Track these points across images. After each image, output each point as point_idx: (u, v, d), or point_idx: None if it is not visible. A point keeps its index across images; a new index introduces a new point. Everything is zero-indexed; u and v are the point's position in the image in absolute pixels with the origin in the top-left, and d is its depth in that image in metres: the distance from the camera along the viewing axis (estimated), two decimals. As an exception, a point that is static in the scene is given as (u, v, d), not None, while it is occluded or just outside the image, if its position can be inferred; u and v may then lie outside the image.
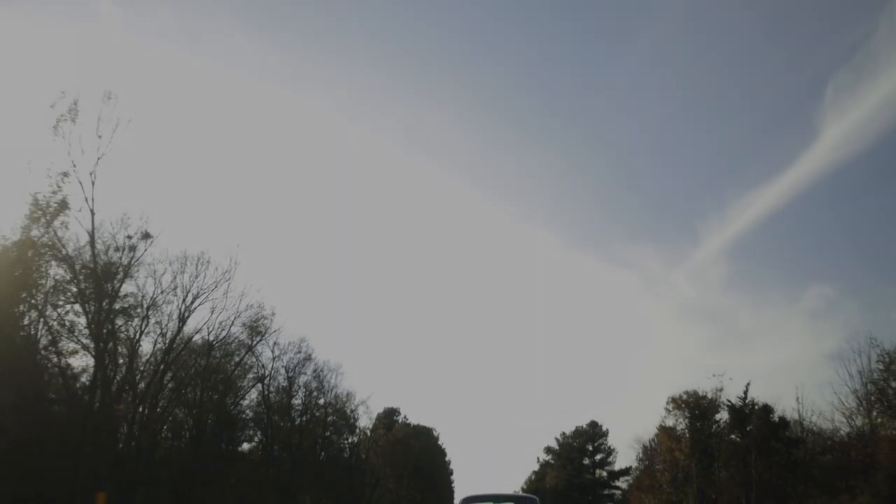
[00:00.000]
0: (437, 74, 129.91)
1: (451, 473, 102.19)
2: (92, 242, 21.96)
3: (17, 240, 20.10)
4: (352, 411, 51.90)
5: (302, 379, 40.64)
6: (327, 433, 48.59)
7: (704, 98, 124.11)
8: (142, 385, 27.45)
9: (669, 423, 50.95)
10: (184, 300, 29.50)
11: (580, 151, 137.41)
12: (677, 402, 49.11)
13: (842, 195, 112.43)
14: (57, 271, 22.41)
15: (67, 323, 24.97)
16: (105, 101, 21.96)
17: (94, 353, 24.58)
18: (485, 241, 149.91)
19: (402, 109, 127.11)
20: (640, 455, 63.40)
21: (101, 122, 21.49)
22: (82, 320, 25.08)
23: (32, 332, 24.70)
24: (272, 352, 38.31)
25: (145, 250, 26.98)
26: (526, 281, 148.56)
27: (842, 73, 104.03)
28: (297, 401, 41.06)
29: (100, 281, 22.43)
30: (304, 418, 41.06)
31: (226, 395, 34.33)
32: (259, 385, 37.01)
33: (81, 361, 26.36)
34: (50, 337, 25.07)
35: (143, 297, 27.72)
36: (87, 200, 21.38)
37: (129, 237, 26.47)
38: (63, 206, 20.41)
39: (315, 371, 41.32)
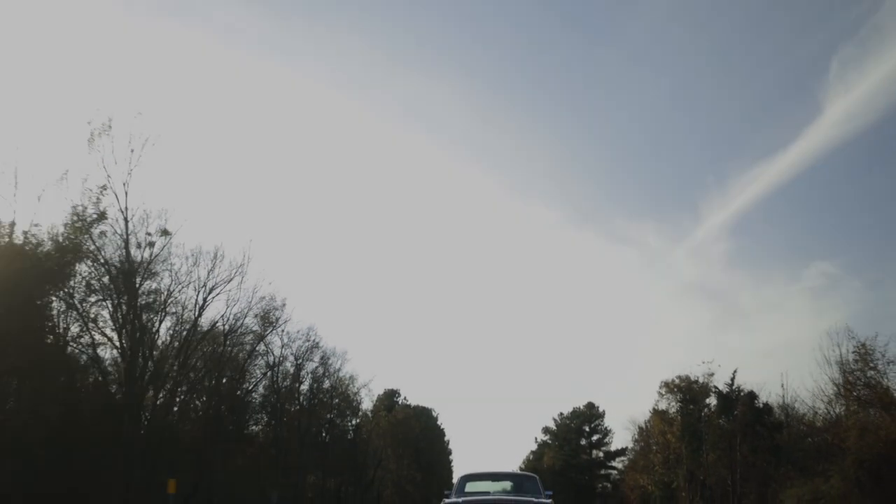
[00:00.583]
0: (435, 51, 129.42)
1: (450, 454, 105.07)
2: (126, 248, 24.30)
3: (58, 245, 22.43)
4: (354, 394, 54.47)
5: (310, 366, 43.23)
6: (330, 415, 51.15)
7: (706, 72, 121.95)
8: (167, 376, 29.86)
9: (662, 406, 53.86)
10: (199, 293, 31.80)
11: (579, 127, 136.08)
12: (670, 387, 51.83)
13: (845, 171, 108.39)
14: (88, 270, 24.69)
15: (93, 315, 27.36)
16: (136, 118, 24.25)
17: (120, 346, 26.99)
18: (483, 219, 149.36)
19: (399, 86, 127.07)
20: (636, 436, 66.36)
21: (132, 139, 23.73)
22: (106, 313, 27.56)
23: (62, 326, 27.06)
24: (281, 339, 40.80)
25: (164, 246, 29.32)
26: (524, 258, 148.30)
27: (847, 47, 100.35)
28: (304, 386, 43.63)
29: (131, 279, 24.78)
30: (312, 403, 43.58)
31: (239, 382, 36.84)
32: (269, 371, 39.32)
33: (107, 353, 28.89)
34: (77, 330, 27.49)
35: (163, 291, 30.04)
36: (121, 211, 23.69)
37: (149, 234, 28.76)
38: (102, 216, 22.76)
39: (322, 358, 43.87)
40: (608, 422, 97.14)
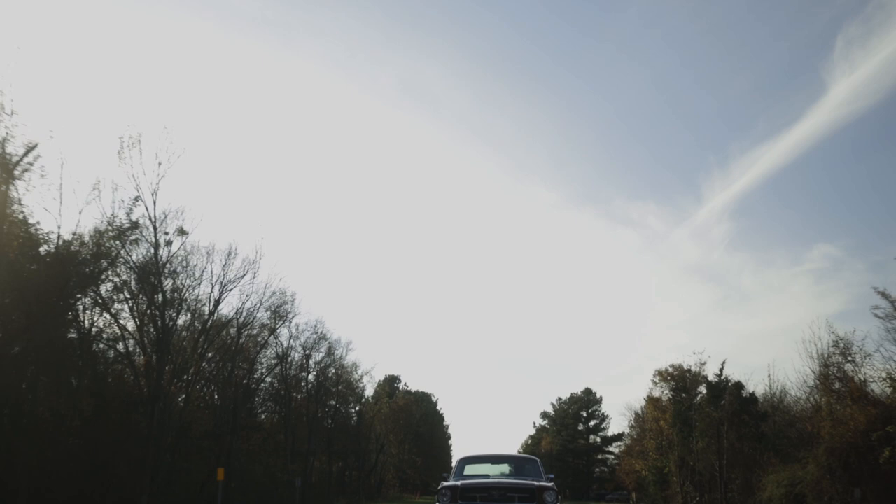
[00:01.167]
0: (432, 28, 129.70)
1: (450, 438, 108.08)
2: (155, 253, 26.72)
3: (94, 252, 24.84)
4: (357, 381, 57.08)
5: (317, 356, 45.84)
6: (335, 403, 53.76)
7: (709, 51, 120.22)
8: (189, 370, 32.40)
9: (656, 394, 56.53)
10: (214, 288, 34.20)
11: (580, 106, 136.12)
12: (663, 375, 54.43)
13: (850, 152, 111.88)
14: (119, 273, 27.12)
15: (115, 312, 29.79)
16: (163, 132, 26.64)
17: (143, 342, 29.49)
18: (481, 200, 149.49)
19: (396, 64, 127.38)
20: (632, 422, 69.07)
21: (158, 152, 26.05)
22: (126, 309, 30.01)
23: (87, 322, 29.43)
24: (290, 332, 43.36)
25: (181, 245, 31.67)
26: (523, 240, 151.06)
27: (852, 25, 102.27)
28: (311, 376, 46.24)
29: (158, 280, 27.23)
30: (318, 391, 46.18)
31: (251, 372, 39.41)
32: (279, 363, 41.85)
33: (129, 348, 31.33)
34: (101, 325, 29.91)
35: (182, 288, 32.46)
36: (151, 220, 26.10)
37: (167, 233, 31.11)
38: (135, 225, 25.18)
39: (329, 349, 46.48)
40: (606, 407, 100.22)
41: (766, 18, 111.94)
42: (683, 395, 50.94)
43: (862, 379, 32.15)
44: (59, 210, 21.86)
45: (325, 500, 45.95)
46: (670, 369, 53.67)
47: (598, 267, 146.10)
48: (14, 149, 18.28)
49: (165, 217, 28.86)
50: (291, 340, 43.24)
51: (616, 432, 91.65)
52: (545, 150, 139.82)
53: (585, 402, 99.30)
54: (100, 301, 27.19)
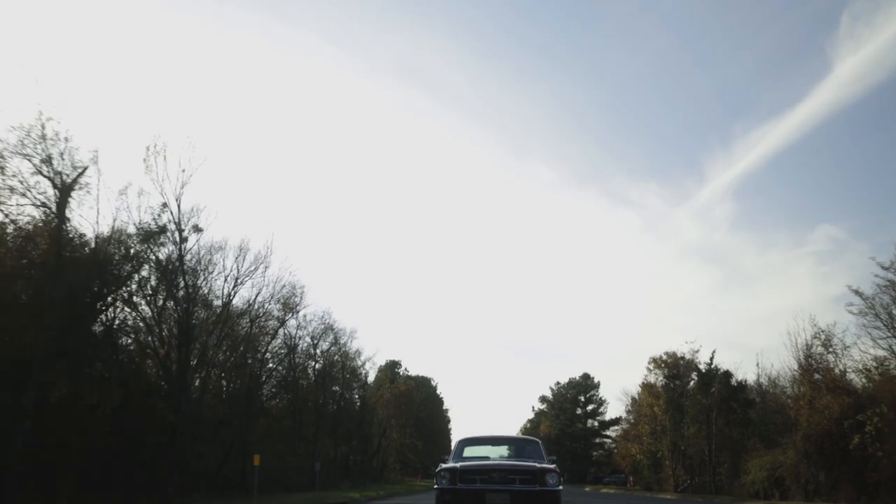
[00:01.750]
0: (430, 6, 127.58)
1: (449, 422, 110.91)
2: (180, 255, 29.18)
3: (123, 255, 27.34)
4: (360, 367, 59.74)
5: (323, 345, 48.49)
6: (339, 389, 56.43)
7: (711, 28, 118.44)
8: (210, 361, 35.02)
9: (650, 380, 59.35)
10: (226, 282, 36.64)
11: (580, 84, 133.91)
12: (657, 363, 57.28)
13: (854, 132, 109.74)
14: (145, 273, 29.62)
15: (139, 306, 32.29)
16: (188, 142, 29.11)
17: (163, 336, 32.04)
18: (480, 179, 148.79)
19: (391, 46, 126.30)
20: (629, 407, 71.90)
21: (182, 160, 28.41)
22: (145, 304, 32.52)
23: (110, 315, 31.92)
24: (297, 322, 45.92)
25: (196, 241, 34.07)
26: (522, 220, 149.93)
27: (858, 1, 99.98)
28: (318, 364, 48.88)
29: (181, 279, 29.72)
30: (323, 378, 48.88)
31: (262, 362, 42.04)
32: (289, 353, 44.49)
33: (149, 341, 33.87)
34: (123, 318, 32.41)
35: (200, 286, 34.93)
36: (176, 224, 28.53)
37: (182, 230, 33.52)
38: (163, 230, 27.63)
39: (335, 338, 49.12)
40: (604, 391, 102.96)
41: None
42: (676, 382, 53.77)
43: (842, 369, 34.87)
44: (96, 219, 24.24)
45: (331, 483, 48.63)
46: (664, 356, 56.54)
47: (598, 248, 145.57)
48: (66, 167, 20.70)
49: (182, 215, 31.26)
50: (299, 330, 45.83)
51: (613, 416, 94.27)
52: (545, 129, 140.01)
53: (583, 387, 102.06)
54: (125, 298, 29.67)
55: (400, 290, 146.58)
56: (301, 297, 41.36)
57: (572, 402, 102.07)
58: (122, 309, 31.10)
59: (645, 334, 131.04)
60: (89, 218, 24.69)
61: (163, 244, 28.31)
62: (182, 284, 29.64)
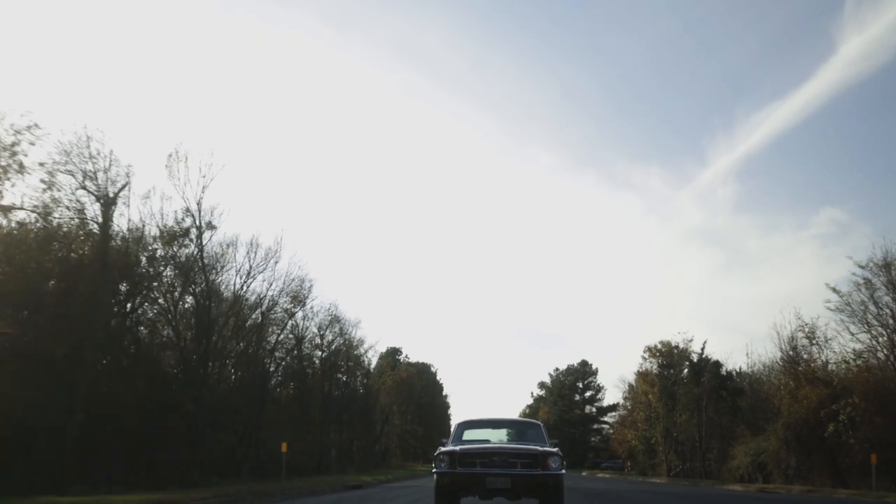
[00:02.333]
0: None
1: (449, 408, 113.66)
2: (201, 255, 31.78)
3: (149, 257, 30.02)
4: (363, 355, 62.46)
5: (329, 336, 51.25)
6: (344, 377, 59.19)
7: (714, 8, 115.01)
8: (228, 353, 37.74)
9: (645, 368, 62.08)
10: (237, 277, 39.17)
11: (579, 65, 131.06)
12: (652, 352, 60.03)
13: (858, 113, 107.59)
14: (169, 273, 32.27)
15: (160, 301, 34.90)
16: (208, 151, 31.73)
17: (180, 329, 34.68)
18: (479, 163, 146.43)
19: (389, 28, 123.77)
20: (626, 394, 74.64)
21: (202, 166, 30.96)
22: (163, 300, 35.14)
23: (129, 308, 34.52)
24: (305, 313, 48.58)
25: (209, 238, 36.60)
26: (522, 205, 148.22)
27: None
28: (324, 354, 51.64)
29: (204, 275, 32.36)
30: (329, 367, 51.66)
31: (272, 352, 44.75)
32: (297, 344, 47.21)
33: (169, 334, 36.51)
34: (143, 311, 35.02)
35: (217, 282, 37.49)
36: (197, 227, 31.12)
37: (202, 231, 36.03)
38: (186, 233, 30.22)
39: (341, 329, 51.87)
40: (602, 378, 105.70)
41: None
42: (670, 370, 56.58)
43: (825, 360, 37.59)
44: (127, 225, 26.81)
45: (337, 467, 51.47)
46: (659, 345, 59.30)
47: (599, 231, 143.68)
48: (108, 184, 23.27)
49: (202, 217, 33.81)
50: (306, 321, 48.49)
51: (611, 403, 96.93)
52: (545, 112, 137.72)
53: (582, 374, 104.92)
54: (150, 295, 32.31)
55: (400, 276, 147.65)
56: (309, 290, 44.02)
57: (571, 388, 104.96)
58: (143, 305, 33.88)
59: (645, 319, 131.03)
60: (120, 223, 27.34)
61: (185, 246, 30.93)
62: (201, 281, 32.21)
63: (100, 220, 24.46)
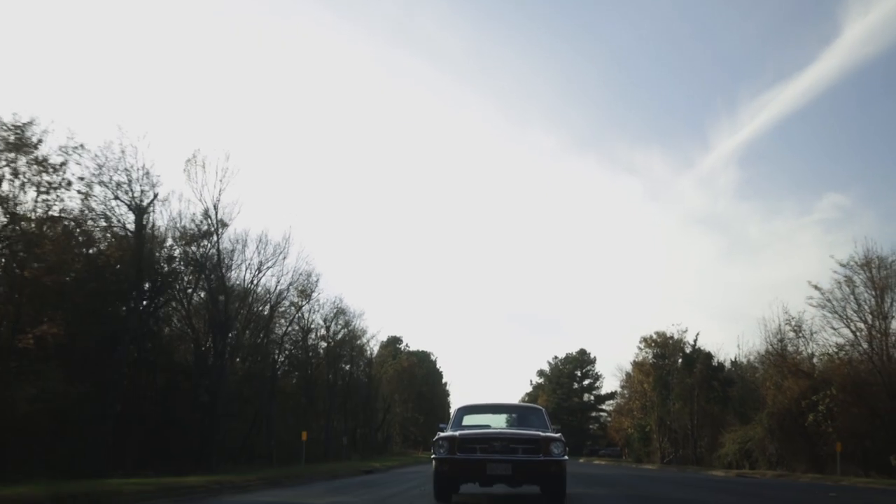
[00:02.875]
0: None
1: (448, 395, 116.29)
2: (218, 255, 34.13)
3: (168, 257, 32.42)
4: (365, 344, 64.98)
5: (335, 327, 53.76)
6: (348, 366, 61.73)
7: None
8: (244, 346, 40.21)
9: (640, 358, 64.61)
10: (247, 272, 41.51)
11: (579, 47, 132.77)
12: (648, 342, 62.61)
13: (862, 97, 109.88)
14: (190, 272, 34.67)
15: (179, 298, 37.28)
16: (225, 156, 34.09)
17: (193, 323, 37.08)
18: (477, 146, 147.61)
19: (386, 10, 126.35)
20: (623, 383, 77.19)
21: (218, 170, 33.27)
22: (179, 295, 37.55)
23: (156, 310, 36.90)
24: (311, 306, 51.05)
25: (210, 229, 38.85)
26: (521, 188, 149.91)
27: None
28: (329, 344, 54.14)
29: (221, 273, 34.73)
30: (336, 359, 54.18)
31: (279, 344, 47.24)
32: (304, 336, 49.70)
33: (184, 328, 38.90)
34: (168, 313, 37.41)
35: (227, 275, 39.81)
36: (215, 231, 33.47)
37: (220, 232, 38.29)
38: (206, 233, 32.61)
39: (346, 321, 54.40)
40: (601, 366, 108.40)
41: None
42: (664, 361, 59.14)
43: (810, 353, 40.11)
44: (151, 228, 29.17)
45: (343, 455, 54.07)
46: (654, 336, 61.86)
47: (599, 216, 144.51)
48: (140, 191, 25.71)
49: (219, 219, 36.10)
50: (312, 313, 50.96)
51: (609, 391, 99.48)
52: (545, 95, 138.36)
53: (580, 362, 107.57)
54: (172, 293, 34.72)
55: (400, 263, 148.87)
56: (316, 283, 46.49)
57: (569, 376, 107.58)
58: (167, 303, 36.31)
59: (644, 306, 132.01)
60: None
61: (204, 246, 33.28)
62: (217, 279, 34.56)
63: (127, 224, 26.82)
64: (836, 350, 37.50)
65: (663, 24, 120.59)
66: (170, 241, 32.74)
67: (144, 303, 32.76)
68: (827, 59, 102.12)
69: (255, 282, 41.66)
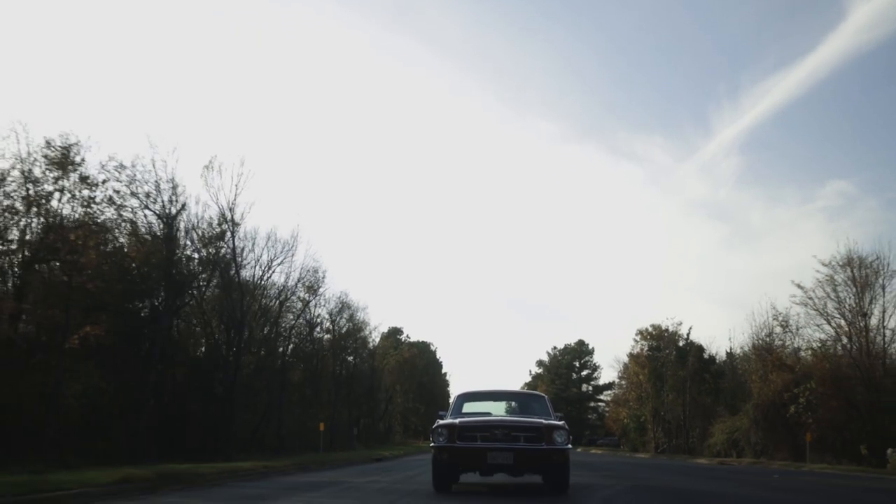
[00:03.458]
0: None
1: (448, 385, 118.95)
2: (234, 256, 36.78)
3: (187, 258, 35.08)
4: (367, 335, 67.68)
5: (340, 322, 56.48)
6: (351, 358, 64.50)
7: None
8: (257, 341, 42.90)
9: (636, 351, 67.48)
10: (256, 268, 44.12)
11: (579, 32, 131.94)
12: (643, 335, 65.42)
13: (867, 83, 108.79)
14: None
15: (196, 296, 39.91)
16: (240, 161, 36.73)
17: (206, 317, 39.75)
18: (476, 133, 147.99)
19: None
20: (621, 373, 79.90)
21: (234, 176, 35.86)
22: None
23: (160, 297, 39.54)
24: (316, 302, 53.75)
25: (227, 231, 41.51)
26: (521, 176, 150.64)
27: None
28: (335, 336, 56.90)
29: (238, 272, 37.39)
30: (340, 352, 56.96)
31: (287, 338, 49.99)
32: (311, 330, 52.45)
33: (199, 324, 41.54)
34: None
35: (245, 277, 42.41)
36: (231, 235, 36.10)
37: (222, 224, 40.98)
38: (223, 235, 35.26)
39: (350, 315, 57.14)
40: (599, 357, 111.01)
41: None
42: (659, 353, 61.96)
43: (796, 347, 42.88)
44: (176, 238, 31.83)
45: (346, 444, 56.89)
46: (650, 328, 64.68)
47: (600, 204, 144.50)
48: (170, 201, 28.42)
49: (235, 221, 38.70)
50: (317, 307, 53.67)
51: (607, 381, 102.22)
52: (544, 82, 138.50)
53: (578, 353, 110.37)
54: (192, 293, 37.39)
55: (399, 253, 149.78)
56: (322, 279, 49.19)
57: (567, 367, 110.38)
58: (188, 302, 39.00)
59: (645, 294, 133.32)
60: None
61: (221, 247, 35.92)
62: (233, 277, 37.18)
63: (153, 228, 29.51)
64: (819, 345, 40.35)
65: (664, 9, 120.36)
66: (187, 242, 35.50)
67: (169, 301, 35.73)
68: (830, 44, 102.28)
69: (264, 278, 44.38)
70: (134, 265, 30.73)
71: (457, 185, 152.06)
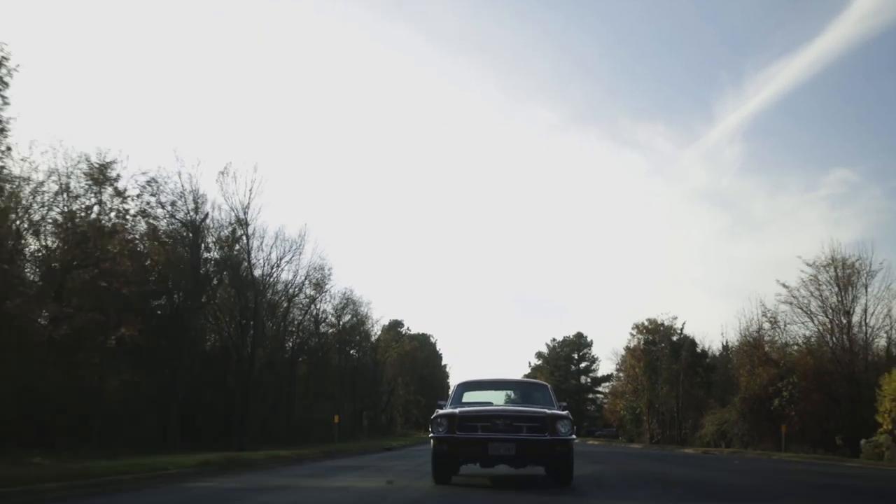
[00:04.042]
0: None
1: (448, 377, 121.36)
2: (248, 258, 39.47)
3: (204, 257, 37.75)
4: (370, 329, 70.43)
5: (345, 318, 59.26)
6: (354, 351, 67.29)
7: None
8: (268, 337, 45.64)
9: (633, 344, 70.23)
10: (265, 266, 46.78)
11: (580, 18, 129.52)
12: (639, 329, 68.20)
13: (871, 70, 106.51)
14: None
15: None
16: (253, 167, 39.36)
17: (220, 314, 42.45)
18: (475, 122, 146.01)
19: None
20: (619, 366, 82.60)
21: (247, 182, 38.49)
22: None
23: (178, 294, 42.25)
24: (321, 297, 56.43)
25: (242, 234, 44.20)
26: (521, 164, 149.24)
27: None
28: (340, 330, 59.70)
29: (251, 272, 40.05)
30: (345, 346, 59.76)
31: (295, 333, 52.73)
32: (317, 326, 55.21)
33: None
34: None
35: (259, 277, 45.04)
36: (246, 236, 38.74)
37: (231, 224, 43.63)
38: (238, 238, 37.92)
39: (355, 311, 59.92)
40: (598, 350, 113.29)
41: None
42: (654, 347, 64.78)
43: (784, 343, 45.62)
44: (199, 245, 34.53)
45: (350, 435, 59.76)
46: (646, 323, 67.43)
47: (601, 192, 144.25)
48: (195, 209, 31.14)
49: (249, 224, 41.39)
50: (323, 303, 56.41)
51: (605, 374, 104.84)
52: (544, 69, 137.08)
53: (577, 345, 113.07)
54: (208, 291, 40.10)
55: (399, 245, 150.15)
56: (328, 276, 51.92)
57: (566, 359, 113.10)
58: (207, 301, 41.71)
59: (646, 284, 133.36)
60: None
61: (237, 250, 38.61)
62: (246, 276, 39.85)
63: (180, 236, 32.20)
64: (804, 341, 43.12)
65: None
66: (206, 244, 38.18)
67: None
68: (835, 30, 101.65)
69: (273, 276, 47.09)
70: (159, 267, 33.51)
71: (456, 176, 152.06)
